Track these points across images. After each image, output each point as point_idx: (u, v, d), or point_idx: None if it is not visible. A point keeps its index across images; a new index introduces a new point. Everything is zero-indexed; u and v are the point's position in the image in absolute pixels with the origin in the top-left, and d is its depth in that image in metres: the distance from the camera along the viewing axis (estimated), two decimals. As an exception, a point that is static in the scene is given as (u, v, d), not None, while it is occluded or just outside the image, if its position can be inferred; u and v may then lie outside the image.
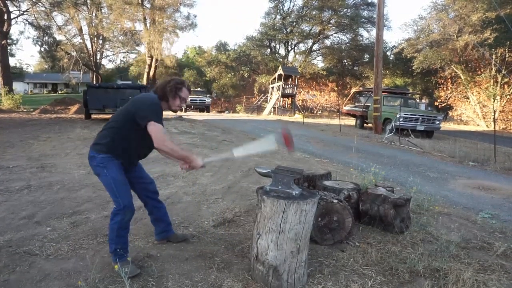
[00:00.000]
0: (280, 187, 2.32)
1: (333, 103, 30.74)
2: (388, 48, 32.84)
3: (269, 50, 36.32)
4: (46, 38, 32.32)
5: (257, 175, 5.54)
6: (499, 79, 19.94)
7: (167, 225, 2.92)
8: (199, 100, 24.36)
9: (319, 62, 37.77)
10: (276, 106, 25.63)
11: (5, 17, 21.51)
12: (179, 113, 19.79)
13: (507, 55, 18.84)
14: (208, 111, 25.31)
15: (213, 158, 2.73)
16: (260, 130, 13.30)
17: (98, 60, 36.06)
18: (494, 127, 9.72)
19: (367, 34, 38.28)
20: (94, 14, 30.04)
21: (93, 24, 29.37)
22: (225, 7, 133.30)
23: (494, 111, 16.44)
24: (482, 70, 20.85)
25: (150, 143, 2.35)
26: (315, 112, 29.93)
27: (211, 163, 2.59)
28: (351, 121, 18.88)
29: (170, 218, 3.53)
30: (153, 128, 2.28)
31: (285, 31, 33.82)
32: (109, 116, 14.29)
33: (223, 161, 2.69)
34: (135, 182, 2.64)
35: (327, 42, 35.25)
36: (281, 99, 26.55)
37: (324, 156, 7.98)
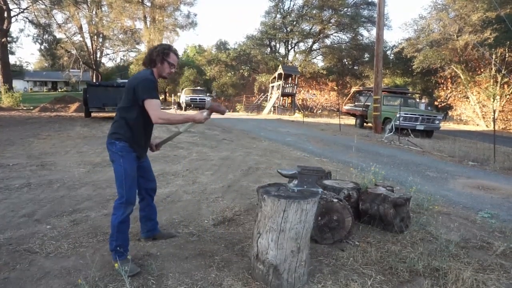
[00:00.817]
0: (305, 186, 2.37)
1: (333, 102, 30.73)
2: (388, 47, 32.83)
3: (269, 49, 36.28)
4: (46, 36, 32.23)
5: (257, 173, 5.57)
6: (499, 79, 19.94)
7: (155, 224, 2.96)
8: (199, 99, 24.30)
9: (319, 61, 37.76)
10: (276, 105, 25.62)
11: (5, 14, 21.48)
12: (179, 112, 19.79)
13: (507, 55, 18.84)
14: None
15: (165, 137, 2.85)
16: (260, 129, 13.29)
17: (98, 59, 35.99)
18: (494, 127, 9.72)
19: (367, 34, 38.27)
20: (94, 12, 29.98)
21: (93, 22, 29.32)
22: (225, 6, 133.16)
23: (494, 111, 16.43)
24: (482, 70, 20.85)
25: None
26: (315, 111, 29.92)
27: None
28: (351, 121, 18.89)
29: (170, 217, 3.55)
30: (148, 105, 2.33)
31: (285, 30, 33.78)
32: (109, 114, 14.34)
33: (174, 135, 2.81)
34: (140, 176, 2.66)
35: (327, 41, 35.23)
36: (281, 98, 26.53)
37: (324, 155, 7.98)
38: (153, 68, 2.50)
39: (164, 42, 29.23)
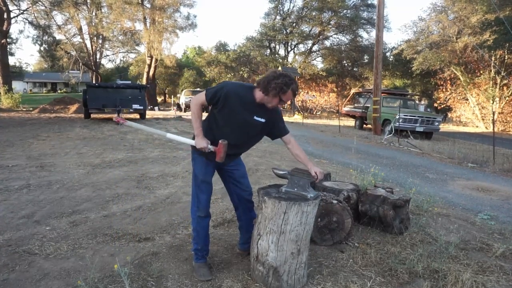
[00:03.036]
0: (296, 189, 2.31)
1: (333, 104, 30.74)
2: (387, 49, 32.87)
3: (268, 50, 36.32)
4: (45, 37, 32.25)
5: (257, 175, 5.56)
6: (498, 80, 19.95)
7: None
8: (199, 100, 24.27)
9: (318, 63, 37.84)
10: (276, 106, 25.61)
11: (5, 16, 21.48)
12: (178, 113, 19.77)
13: (506, 57, 18.84)
14: (207, 111, 25.29)
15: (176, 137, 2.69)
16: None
17: (97, 60, 35.97)
18: (493, 129, 9.72)
19: (367, 35, 38.37)
20: (94, 14, 29.97)
21: (93, 24, 29.29)
22: (225, 8, 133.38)
23: (493, 113, 16.40)
24: (481, 72, 20.86)
25: (236, 132, 2.34)
26: (314, 112, 29.93)
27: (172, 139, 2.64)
28: (351, 122, 18.90)
29: (170, 218, 3.54)
30: (199, 94, 2.40)
31: (285, 32, 33.83)
32: (109, 115, 14.34)
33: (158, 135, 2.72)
34: (229, 182, 2.59)
35: (327, 43, 35.26)
36: (281, 99, 26.52)
37: (323, 156, 7.98)
38: (264, 94, 2.23)
39: (163, 43, 29.22)
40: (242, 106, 2.28)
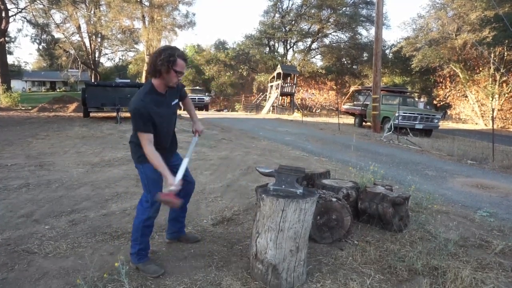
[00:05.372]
0: (283, 186, 2.31)
1: (332, 101, 30.74)
2: (387, 46, 32.90)
3: (268, 48, 36.32)
4: (44, 36, 32.21)
5: (256, 173, 5.56)
6: (498, 77, 19.97)
7: (182, 226, 2.90)
8: (198, 98, 24.32)
9: (318, 61, 37.85)
10: (275, 104, 25.64)
11: (3, 14, 21.43)
12: (177, 112, 19.75)
13: (505, 53, 18.86)
14: (207, 110, 25.29)
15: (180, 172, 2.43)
16: (259, 128, 13.29)
17: (96, 58, 35.93)
18: (493, 126, 9.73)
19: (366, 33, 38.28)
20: (92, 12, 29.89)
21: (92, 22, 29.21)
22: (224, 6, 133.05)
23: (493, 110, 16.46)
24: (480, 69, 20.88)
25: (166, 127, 2.41)
26: (314, 110, 29.92)
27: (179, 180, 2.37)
28: (350, 120, 18.89)
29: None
30: (140, 138, 2.24)
31: (284, 30, 33.79)
32: (108, 114, 14.31)
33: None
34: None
35: (326, 40, 35.30)
36: (280, 97, 26.56)
37: (323, 154, 7.98)
38: (158, 78, 2.24)
39: (162, 41, 29.18)
40: (158, 106, 2.28)
